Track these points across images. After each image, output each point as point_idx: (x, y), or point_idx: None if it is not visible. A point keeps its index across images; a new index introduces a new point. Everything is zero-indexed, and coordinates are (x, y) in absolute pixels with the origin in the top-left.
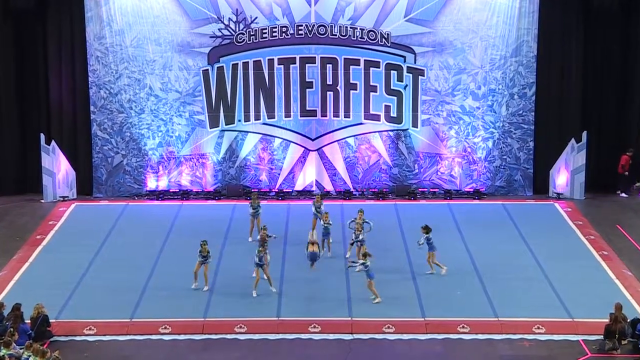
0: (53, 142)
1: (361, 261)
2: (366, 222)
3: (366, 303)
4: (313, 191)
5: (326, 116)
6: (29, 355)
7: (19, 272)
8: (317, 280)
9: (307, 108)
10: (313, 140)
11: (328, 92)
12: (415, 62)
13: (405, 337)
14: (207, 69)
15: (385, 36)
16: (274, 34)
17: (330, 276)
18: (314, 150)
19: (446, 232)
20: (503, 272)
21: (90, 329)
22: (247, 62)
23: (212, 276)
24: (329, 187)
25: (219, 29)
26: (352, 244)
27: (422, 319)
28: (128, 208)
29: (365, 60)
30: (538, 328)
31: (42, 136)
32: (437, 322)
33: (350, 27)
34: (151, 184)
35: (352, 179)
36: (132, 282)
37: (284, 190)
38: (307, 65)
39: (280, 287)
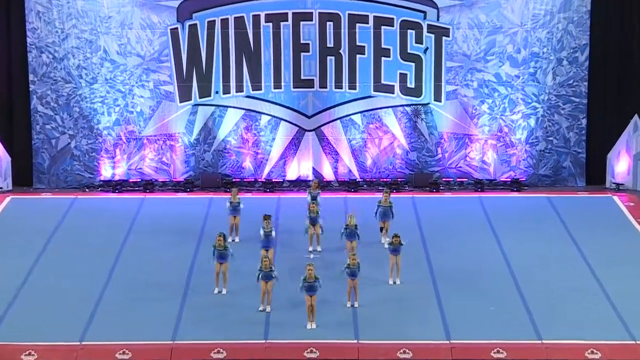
0: None
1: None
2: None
3: (376, 321)
4: (309, 181)
5: (326, 87)
6: None
7: None
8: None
9: (302, 77)
10: (309, 117)
11: (328, 57)
12: (438, 19)
13: None
14: (177, 28)
15: None
16: None
17: (331, 287)
18: (311, 131)
19: (477, 232)
20: (548, 282)
21: (30, 355)
22: (227, 19)
23: (182, 288)
24: (329, 176)
25: None
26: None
27: (447, 342)
28: (77, 202)
29: (375, 16)
30: (592, 352)
31: None
32: (466, 345)
33: None
34: (106, 172)
35: (359, 167)
36: (83, 295)
37: (273, 180)
38: (302, 23)
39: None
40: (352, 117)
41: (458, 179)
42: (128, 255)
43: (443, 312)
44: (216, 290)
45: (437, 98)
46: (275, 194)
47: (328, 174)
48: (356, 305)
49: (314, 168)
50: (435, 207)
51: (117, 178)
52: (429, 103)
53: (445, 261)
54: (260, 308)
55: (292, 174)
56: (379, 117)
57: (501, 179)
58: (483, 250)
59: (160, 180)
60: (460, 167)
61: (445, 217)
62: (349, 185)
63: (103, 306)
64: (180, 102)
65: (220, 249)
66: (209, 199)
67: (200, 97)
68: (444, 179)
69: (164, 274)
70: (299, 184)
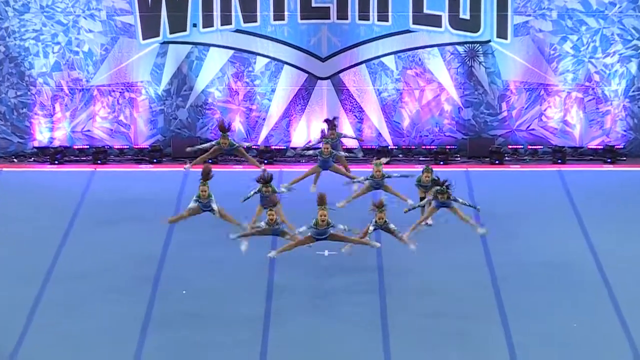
0: None
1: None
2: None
3: (414, 340)
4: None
5: (347, 19)
6: None
7: None
8: (330, 305)
9: (314, 4)
10: (324, 60)
11: None
12: None
13: None
14: None
15: None
16: None
17: (350, 289)
18: (326, 79)
19: (555, 220)
20: None
21: None
22: None
23: (146, 298)
24: (350, 141)
25: None
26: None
27: None
28: (1, 177)
29: None
30: None
31: None
32: None
33: None
34: (42, 135)
35: (392, 129)
36: (8, 306)
37: (273, 147)
38: None
39: (265, 320)
40: (382, 59)
41: (530, 147)
42: (72, 250)
43: (508, 329)
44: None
45: (502, 34)
46: (275, 167)
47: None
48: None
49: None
50: (498, 184)
51: (57, 144)
52: (489, 41)
53: (510, 259)
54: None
55: (299, 138)
56: (420, 60)
57: (590, 147)
58: (563, 244)
59: (116, 147)
60: (533, 129)
61: (511, 198)
62: (378, 154)
63: (38, 322)
64: (144, 38)
65: (203, 200)
66: (183, 173)
67: (171, 32)
68: (510, 147)
69: (120, 279)
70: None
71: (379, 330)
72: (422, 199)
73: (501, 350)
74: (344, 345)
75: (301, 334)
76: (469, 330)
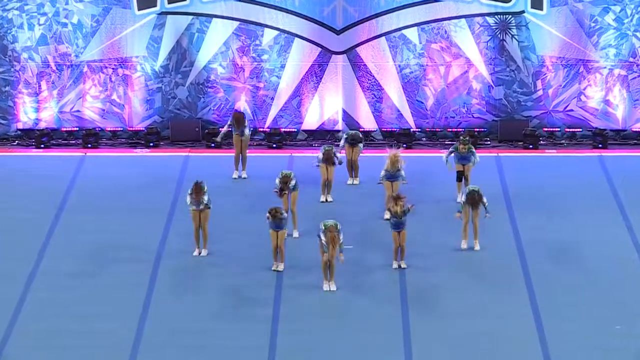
0: None
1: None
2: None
3: (438, 340)
4: (338, 132)
5: None
6: None
7: None
8: (344, 310)
9: None
10: (339, 33)
11: None
12: None
13: None
14: None
15: None
16: None
17: (369, 287)
18: (341, 53)
19: (595, 209)
20: None
21: None
22: None
23: (140, 294)
24: (368, 123)
25: None
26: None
27: None
28: None
29: None
30: None
31: None
32: None
33: None
34: (26, 116)
35: (414, 110)
36: None
37: (283, 129)
38: None
39: (274, 316)
40: (404, 32)
41: (567, 129)
42: (59, 244)
43: (542, 332)
44: (196, 252)
45: (537, 4)
46: (285, 151)
47: (366, 119)
48: (403, 265)
49: (344, 111)
50: (532, 171)
51: (43, 126)
52: (523, 11)
53: (545, 252)
54: (273, 267)
55: (311, 119)
56: (445, 32)
57: (634, 129)
58: (604, 237)
59: (108, 129)
60: (571, 110)
61: (546, 186)
62: (399, 137)
63: (23, 320)
64: (140, 9)
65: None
66: (183, 158)
67: (169, 2)
68: (545, 129)
69: (114, 276)
70: (323, 135)
71: (399, 328)
72: (459, 172)
73: (534, 348)
74: (362, 342)
75: (312, 334)
76: (500, 330)
